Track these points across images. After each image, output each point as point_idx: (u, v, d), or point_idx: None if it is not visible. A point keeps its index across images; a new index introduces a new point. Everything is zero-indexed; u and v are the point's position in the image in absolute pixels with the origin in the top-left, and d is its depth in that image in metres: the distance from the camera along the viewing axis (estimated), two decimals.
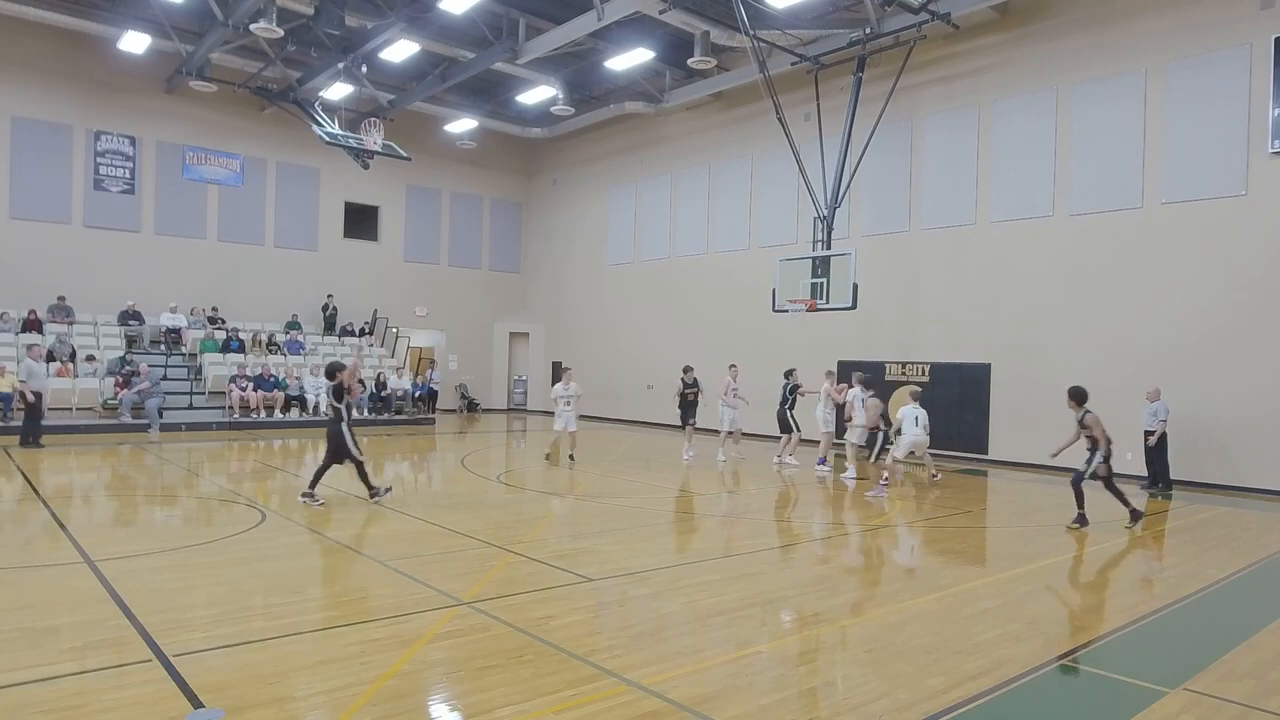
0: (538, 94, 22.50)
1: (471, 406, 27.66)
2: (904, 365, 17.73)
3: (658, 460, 16.23)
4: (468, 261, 28.07)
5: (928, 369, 17.35)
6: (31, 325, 19.36)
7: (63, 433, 16.54)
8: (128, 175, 21.75)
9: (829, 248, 16.58)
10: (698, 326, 22.57)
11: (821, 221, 16.80)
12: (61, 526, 8.56)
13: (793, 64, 17.66)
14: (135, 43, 19.10)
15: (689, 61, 18.06)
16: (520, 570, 7.18)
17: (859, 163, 16.62)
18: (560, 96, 21.73)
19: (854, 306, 15.66)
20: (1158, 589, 7.40)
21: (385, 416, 22.08)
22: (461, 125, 24.55)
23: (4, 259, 19.81)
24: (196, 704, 4.18)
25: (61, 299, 20.36)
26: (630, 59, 19.25)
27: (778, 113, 16.67)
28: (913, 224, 18.04)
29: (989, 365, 16.54)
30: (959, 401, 16.78)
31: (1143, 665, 5.39)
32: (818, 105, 17.17)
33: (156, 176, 22.18)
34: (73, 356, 18.84)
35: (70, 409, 17.74)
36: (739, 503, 11.64)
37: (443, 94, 22.45)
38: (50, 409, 17.44)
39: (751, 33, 16.02)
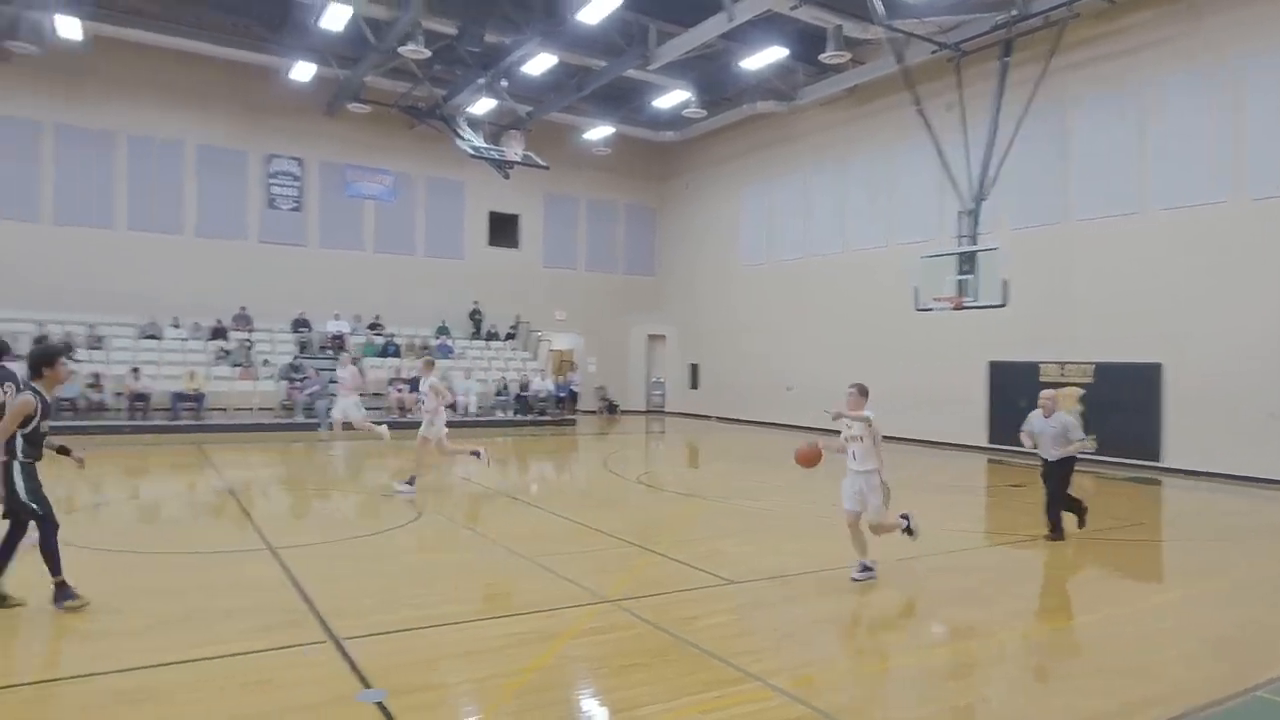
0: (670, 98, 22.70)
1: (611, 408, 28.21)
2: (1062, 366, 16.66)
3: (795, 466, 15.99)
4: (604, 266, 28.66)
5: (1091, 369, 16.22)
6: (218, 334, 21.35)
7: (246, 430, 18.11)
8: (296, 194, 23.61)
9: (975, 243, 15.81)
10: (834, 326, 22.07)
11: (966, 216, 16.05)
12: (247, 515, 9.41)
13: (932, 53, 16.97)
14: (302, 71, 20.71)
15: (821, 57, 17.71)
16: (661, 570, 7.28)
17: (1006, 152, 15.76)
18: (692, 99, 21.82)
19: (1004, 304, 14.86)
20: None
21: (528, 418, 22.87)
22: (596, 133, 25.11)
23: (193, 274, 21.94)
24: (365, 684, 4.50)
25: (243, 309, 22.36)
26: (762, 58, 19.09)
27: (917, 104, 16.06)
28: (1067, 215, 16.93)
29: (1159, 365, 15.28)
30: (1125, 404, 15.59)
31: None
32: (960, 94, 16.40)
33: (321, 194, 23.95)
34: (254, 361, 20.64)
35: (251, 409, 19.42)
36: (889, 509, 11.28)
37: (578, 103, 23.03)
38: (235, 409, 19.17)
39: (887, 23, 15.52)
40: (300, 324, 22.99)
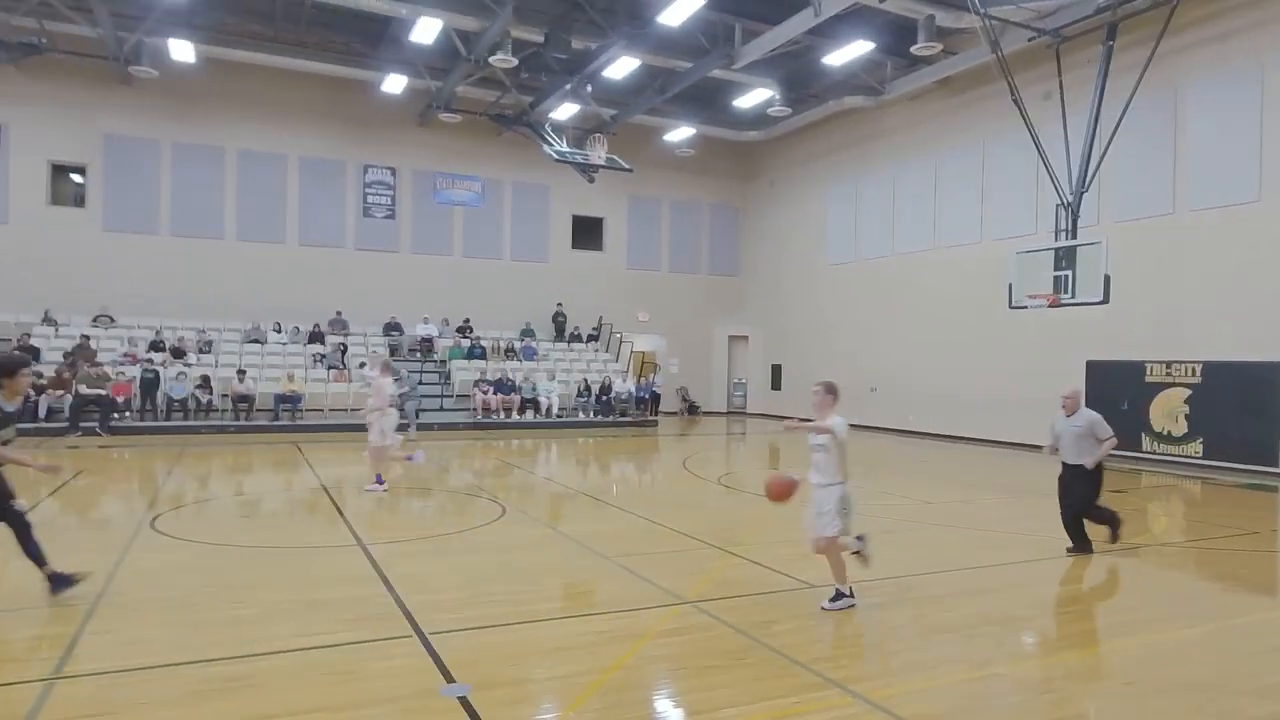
0: (754, 97, 22.52)
1: (692, 409, 28.16)
2: (1168, 365, 15.75)
3: (884, 467, 15.63)
4: (687, 267, 28.64)
5: (1198, 369, 15.28)
6: (315, 338, 22.30)
7: (340, 430, 18.84)
8: (389, 202, 24.48)
9: (1074, 237, 15.08)
10: (922, 325, 21.47)
11: (1065, 209, 15.32)
12: (339, 512, 9.79)
13: (1029, 40, 16.31)
14: (395, 84, 21.46)
15: (912, 49, 17.26)
16: (741, 572, 7.22)
17: (1110, 141, 14.99)
18: (777, 97, 21.59)
19: (1105, 300, 14.14)
20: None
21: (610, 419, 23.05)
22: (679, 134, 25.12)
23: (295, 280, 23.00)
24: (449, 679, 4.62)
25: (339, 313, 23.30)
26: (849, 52, 18.74)
27: (1013, 94, 15.43)
28: (1177, 205, 16.01)
29: (1278, 364, 14.27)
30: (1238, 405, 14.62)
31: None
32: (1059, 82, 15.68)
33: (412, 201, 24.76)
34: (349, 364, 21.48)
35: (345, 410, 20.20)
36: (971, 514, 10.92)
37: (661, 105, 23.09)
38: (330, 410, 19.98)
39: (982, 11, 14.99)
40: (392, 327, 23.79)
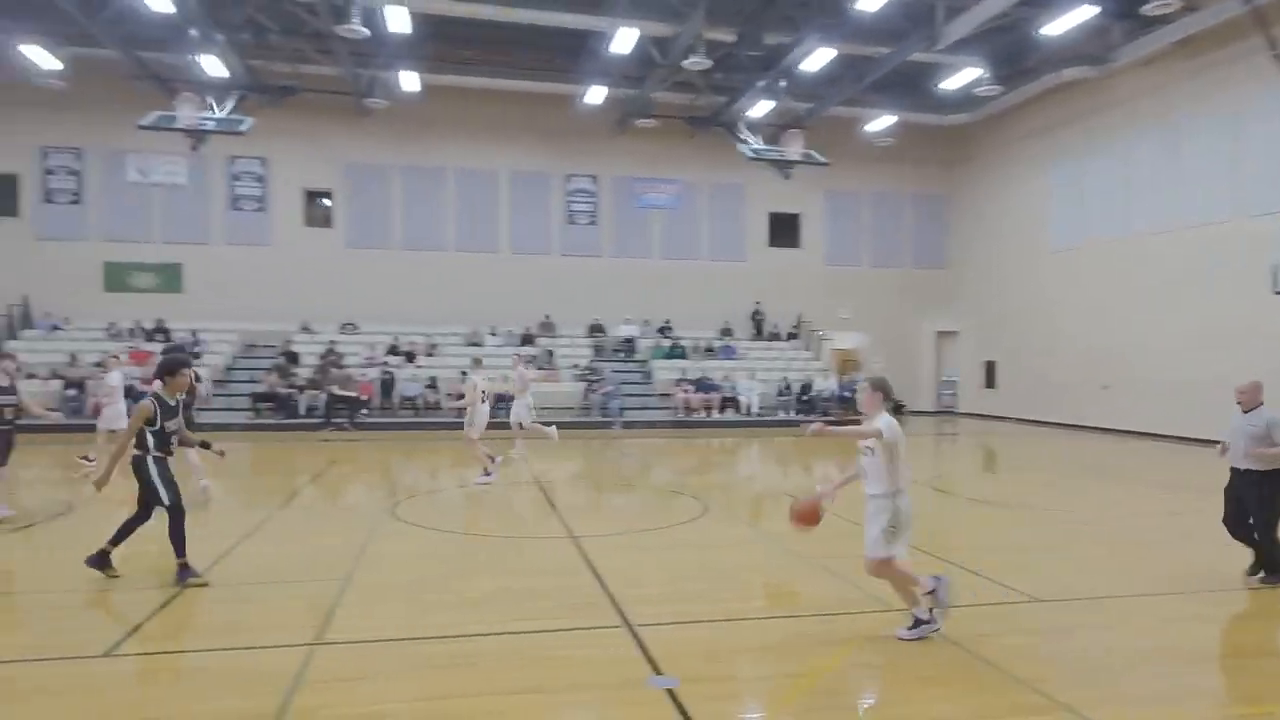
0: (959, 78, 21.22)
1: (897, 409, 26.98)
2: None
3: (1117, 472, 14.21)
4: (889, 261, 27.50)
5: None
6: (526, 340, 23.73)
7: (550, 427, 19.82)
8: (591, 209, 25.55)
9: None
10: (1165, 313, 19.18)
11: None
12: (551, 505, 10.34)
13: None
14: (596, 95, 22.30)
15: (1144, 9, 15.55)
16: (955, 580, 6.83)
17: None
18: (985, 75, 20.25)
19: None
20: None
21: (811, 418, 22.63)
22: (878, 123, 24.20)
23: (507, 287, 24.60)
24: (656, 670, 4.75)
25: (547, 317, 24.63)
26: (1069, 20, 17.18)
27: (1273, 49, 13.48)
28: None
29: None
30: None
31: None
32: None
33: (613, 207, 25.68)
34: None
35: (553, 408, 21.26)
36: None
37: (859, 94, 22.34)
38: (540, 408, 21.06)
39: None
40: (595, 329, 24.78)
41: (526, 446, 14.64)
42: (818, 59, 19.42)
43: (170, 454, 6.60)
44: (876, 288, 27.24)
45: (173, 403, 6.62)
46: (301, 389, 19.95)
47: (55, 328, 21.54)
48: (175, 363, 6.79)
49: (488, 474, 11.72)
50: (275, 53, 20.30)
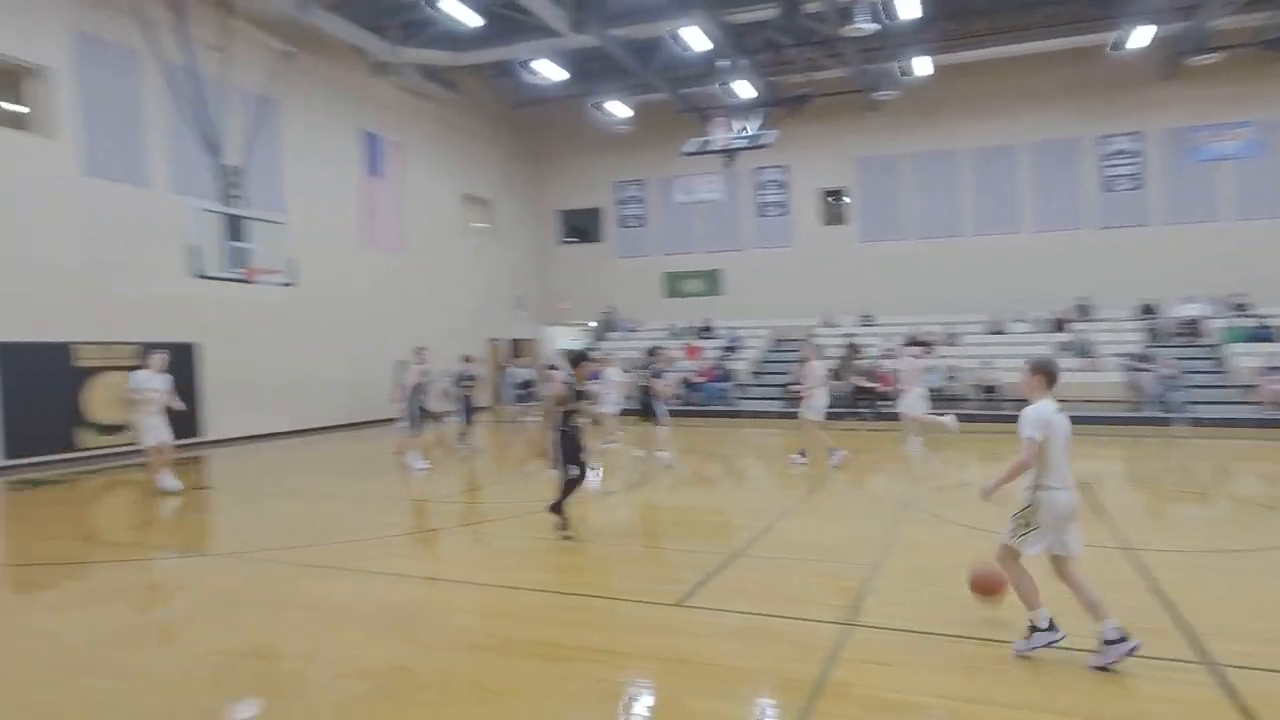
0: None
1: None
2: None
3: None
4: None
5: None
6: (1059, 326, 21.48)
7: (1090, 423, 17.62)
8: (1134, 171, 22.11)
9: None
10: None
11: None
12: (1100, 510, 9.18)
13: None
14: (1141, 36, 18.82)
15: None
16: None
17: None
18: None
19: None
20: None
21: None
22: None
23: (1030, 269, 22.65)
24: None
25: (1081, 299, 21.98)
26: None
27: None
28: None
29: None
30: None
31: None
32: None
33: (1163, 166, 21.89)
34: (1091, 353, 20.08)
35: (1094, 400, 18.84)
36: None
37: None
38: (1078, 400, 18.93)
39: None
40: (1146, 310, 21.33)
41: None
42: None
43: (578, 430, 7.86)
44: None
45: (579, 388, 7.96)
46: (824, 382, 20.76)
47: (631, 330, 26.25)
48: (580, 354, 8.39)
49: (834, 453, 11.99)
50: (790, 66, 21.73)
